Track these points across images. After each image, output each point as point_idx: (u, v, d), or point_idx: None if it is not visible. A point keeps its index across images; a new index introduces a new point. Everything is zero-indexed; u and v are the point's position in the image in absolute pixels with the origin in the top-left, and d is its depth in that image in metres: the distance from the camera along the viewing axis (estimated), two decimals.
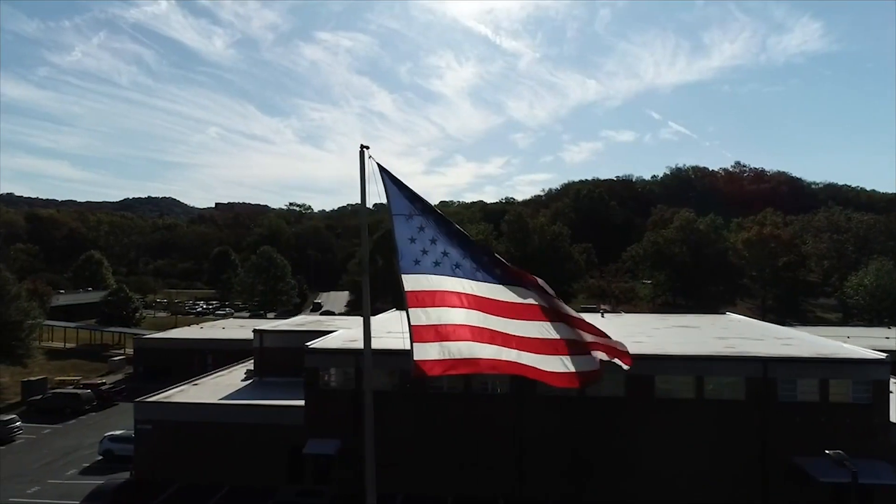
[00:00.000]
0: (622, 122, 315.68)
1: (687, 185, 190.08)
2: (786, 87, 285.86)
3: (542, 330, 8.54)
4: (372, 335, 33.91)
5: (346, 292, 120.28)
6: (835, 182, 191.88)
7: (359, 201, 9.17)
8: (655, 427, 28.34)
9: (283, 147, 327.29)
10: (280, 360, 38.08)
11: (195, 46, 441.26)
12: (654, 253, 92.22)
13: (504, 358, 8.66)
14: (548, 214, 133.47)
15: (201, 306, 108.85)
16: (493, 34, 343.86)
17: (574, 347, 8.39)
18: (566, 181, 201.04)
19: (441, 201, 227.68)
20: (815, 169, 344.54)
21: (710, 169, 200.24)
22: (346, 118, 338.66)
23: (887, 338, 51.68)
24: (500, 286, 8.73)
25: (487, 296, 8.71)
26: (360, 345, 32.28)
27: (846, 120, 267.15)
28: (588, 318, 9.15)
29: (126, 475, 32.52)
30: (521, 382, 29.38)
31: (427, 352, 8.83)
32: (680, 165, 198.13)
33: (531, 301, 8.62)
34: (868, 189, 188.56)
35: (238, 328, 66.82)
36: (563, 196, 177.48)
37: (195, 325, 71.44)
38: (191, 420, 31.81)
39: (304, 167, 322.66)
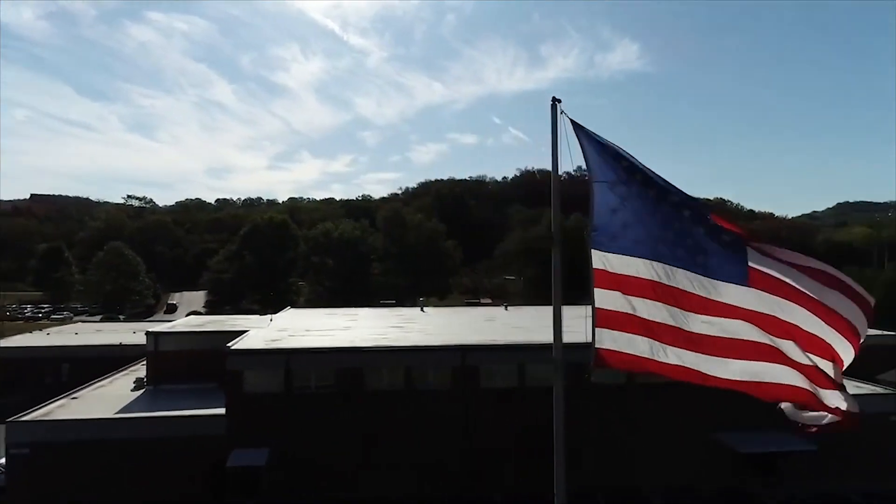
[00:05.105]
0: (466, 125, 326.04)
1: (536, 186, 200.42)
2: (609, 100, 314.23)
3: (765, 337, 6.88)
4: (292, 334, 31.58)
5: (203, 292, 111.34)
6: None
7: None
8: (593, 414, 29.20)
9: (107, 135, 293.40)
10: (179, 366, 33.98)
11: None
12: (524, 251, 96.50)
13: (703, 370, 7.13)
14: (411, 212, 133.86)
15: (29, 310, 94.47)
16: (341, 30, 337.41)
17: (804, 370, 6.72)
18: (418, 180, 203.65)
19: (290, 198, 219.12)
20: None
21: None
22: (181, 106, 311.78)
23: None
24: (720, 282, 7.03)
25: (698, 292, 7.09)
26: (287, 344, 29.95)
27: (662, 132, 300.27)
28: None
29: None
30: (464, 377, 28.88)
31: (612, 340, 7.71)
32: (529, 168, 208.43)
33: (760, 310, 6.87)
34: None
35: (94, 333, 59.07)
36: (422, 195, 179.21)
37: (37, 332, 61.74)
38: (83, 439, 27.17)
39: (134, 158, 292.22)
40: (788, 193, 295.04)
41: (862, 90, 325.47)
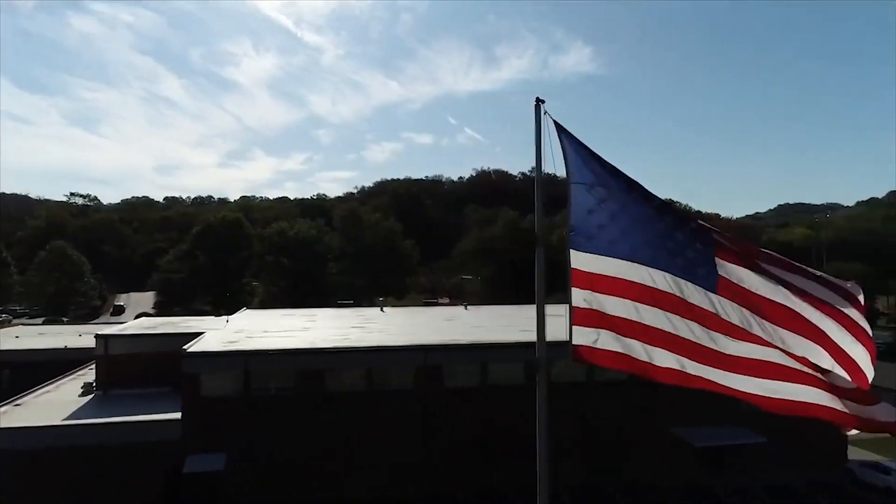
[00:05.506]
0: (422, 124, 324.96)
1: (492, 186, 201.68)
2: (563, 102, 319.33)
3: (733, 348, 6.94)
4: (250, 336, 31.06)
5: (152, 293, 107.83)
6: None
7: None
8: (553, 412, 29.55)
9: (47, 129, 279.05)
10: (131, 369, 32.79)
11: None
12: (481, 250, 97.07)
13: (684, 370, 7.14)
14: (368, 211, 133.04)
15: None
16: (295, 26, 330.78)
17: (781, 373, 6.71)
18: (374, 179, 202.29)
19: (242, 196, 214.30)
20: None
21: (510, 172, 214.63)
22: (127, 101, 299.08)
23: None
24: (696, 286, 7.14)
25: (675, 293, 7.21)
26: (245, 346, 29.34)
27: (612, 134, 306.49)
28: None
29: None
30: (427, 376, 28.83)
31: (590, 338, 7.79)
32: (485, 168, 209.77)
33: (734, 321, 6.95)
34: None
35: (37, 336, 56.37)
36: (378, 194, 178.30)
37: None
38: (29, 448, 25.93)
39: (77, 153, 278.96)
40: (733, 195, 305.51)
41: (800, 97, 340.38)
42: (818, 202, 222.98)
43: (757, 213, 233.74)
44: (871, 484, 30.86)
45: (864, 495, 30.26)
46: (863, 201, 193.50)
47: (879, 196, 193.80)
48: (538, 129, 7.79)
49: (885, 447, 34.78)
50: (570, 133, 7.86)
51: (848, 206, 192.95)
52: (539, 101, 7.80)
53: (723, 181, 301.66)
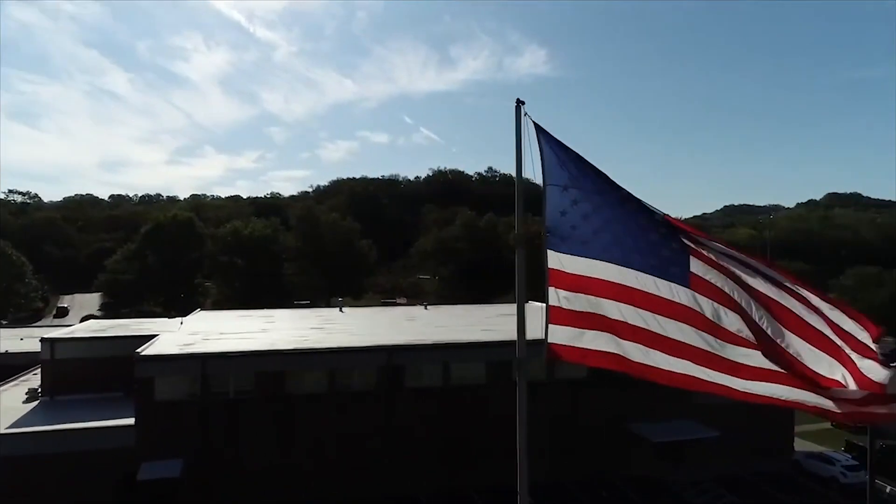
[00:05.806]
0: (377, 123, 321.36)
1: (448, 186, 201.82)
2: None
3: (708, 343, 7.07)
4: (206, 338, 30.60)
5: (98, 294, 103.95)
6: None
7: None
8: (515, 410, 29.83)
9: None
10: (80, 374, 31.51)
11: None
12: (439, 250, 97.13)
13: (656, 364, 7.29)
14: (325, 210, 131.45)
15: None
16: (247, 21, 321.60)
17: (749, 372, 6.73)
18: (328, 178, 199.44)
19: (192, 194, 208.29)
20: None
21: (467, 173, 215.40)
22: (70, 94, 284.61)
23: None
24: (668, 283, 7.29)
25: (646, 290, 7.36)
26: (202, 348, 28.57)
27: (564, 135, 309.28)
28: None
29: None
30: (390, 377, 28.68)
31: (564, 336, 7.96)
32: (442, 168, 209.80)
33: (707, 315, 7.09)
34: None
35: None
36: (334, 193, 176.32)
37: None
38: None
39: (15, 149, 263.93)
40: (681, 196, 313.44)
41: (746, 101, 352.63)
42: (762, 203, 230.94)
43: (704, 213, 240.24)
44: (816, 474, 32.23)
45: (810, 485, 31.60)
46: (802, 203, 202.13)
47: (817, 198, 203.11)
48: (518, 131, 7.83)
49: (829, 439, 36.41)
50: (549, 134, 7.93)
51: (789, 208, 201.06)
52: (520, 103, 7.84)
53: (671, 182, 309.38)
